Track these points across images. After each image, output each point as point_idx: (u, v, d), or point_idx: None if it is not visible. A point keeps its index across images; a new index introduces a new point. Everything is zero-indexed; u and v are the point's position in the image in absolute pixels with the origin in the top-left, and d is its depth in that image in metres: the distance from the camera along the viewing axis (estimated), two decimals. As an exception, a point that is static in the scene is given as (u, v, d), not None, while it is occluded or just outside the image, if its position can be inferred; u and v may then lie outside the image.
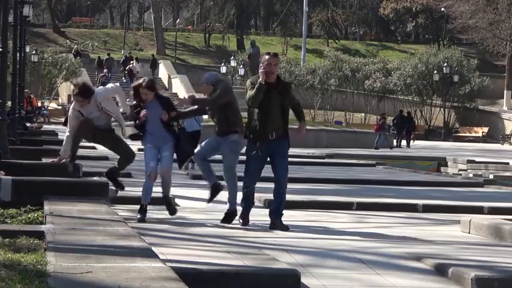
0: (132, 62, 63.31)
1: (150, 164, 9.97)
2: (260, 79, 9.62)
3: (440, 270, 7.16)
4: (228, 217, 9.96)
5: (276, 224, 9.61)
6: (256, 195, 12.58)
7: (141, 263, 4.73)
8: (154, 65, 64.19)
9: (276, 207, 9.76)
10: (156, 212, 11.15)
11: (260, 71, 9.70)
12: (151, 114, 9.90)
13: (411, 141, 43.92)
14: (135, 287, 4.12)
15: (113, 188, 9.96)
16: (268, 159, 9.78)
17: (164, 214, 10.97)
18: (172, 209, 10.25)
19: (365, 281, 6.83)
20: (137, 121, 10.03)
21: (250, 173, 9.80)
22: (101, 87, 11.70)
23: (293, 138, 9.82)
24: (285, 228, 9.54)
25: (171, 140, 10.01)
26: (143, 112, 9.92)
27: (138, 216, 9.82)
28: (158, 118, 9.87)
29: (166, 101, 10.19)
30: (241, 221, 9.82)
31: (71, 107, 10.92)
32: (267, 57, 9.80)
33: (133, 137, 10.28)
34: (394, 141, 42.52)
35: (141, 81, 10.19)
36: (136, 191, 12.96)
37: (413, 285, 6.81)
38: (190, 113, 11.06)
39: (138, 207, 11.28)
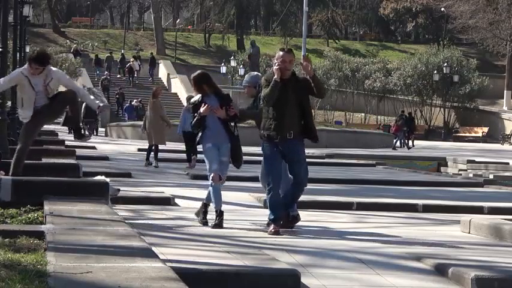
0: (131, 60, 63.77)
1: (213, 166, 9.57)
2: (275, 76, 9.17)
3: (440, 270, 7.16)
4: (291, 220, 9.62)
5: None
6: (255, 195, 12.65)
7: (141, 263, 4.72)
8: (153, 64, 64.22)
9: (287, 200, 9.34)
10: (156, 212, 11.16)
11: (275, 68, 9.25)
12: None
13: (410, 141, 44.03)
14: (135, 287, 4.12)
15: (114, 187, 9.80)
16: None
17: (164, 214, 10.98)
18: (219, 224, 9.52)
19: (365, 281, 6.83)
20: (197, 115, 9.66)
21: (274, 177, 9.19)
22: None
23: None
24: (289, 227, 9.37)
25: (228, 141, 9.65)
26: (204, 106, 9.58)
27: (216, 221, 9.50)
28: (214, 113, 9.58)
29: (225, 97, 9.81)
30: (273, 230, 9.12)
31: (20, 71, 10.42)
32: (281, 53, 9.35)
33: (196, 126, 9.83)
34: (398, 142, 42.61)
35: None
36: (136, 191, 13.00)
37: (413, 285, 6.81)
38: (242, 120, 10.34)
39: (138, 207, 11.31)
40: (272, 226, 9.14)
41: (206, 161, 9.72)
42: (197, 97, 9.87)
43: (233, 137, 9.67)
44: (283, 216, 9.35)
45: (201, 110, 9.60)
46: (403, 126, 41.01)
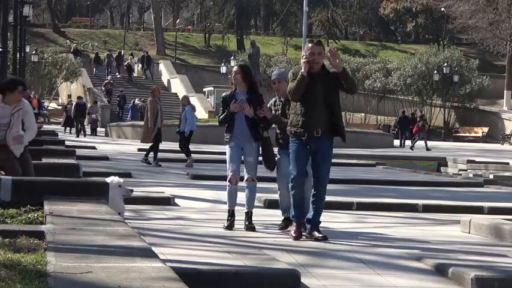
0: (130, 57, 64.17)
1: (232, 167, 9.40)
2: (302, 70, 8.63)
3: (440, 270, 7.16)
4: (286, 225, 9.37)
5: (313, 234, 8.73)
6: (256, 195, 12.59)
7: (141, 263, 4.72)
8: (148, 62, 64.16)
9: (314, 215, 8.81)
10: (156, 212, 11.16)
11: (302, 60, 8.72)
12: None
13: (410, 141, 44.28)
14: (135, 287, 4.11)
15: (127, 187, 9.59)
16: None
17: (164, 214, 10.98)
18: (250, 227, 9.35)
19: (365, 281, 6.83)
20: (226, 111, 9.43)
21: (298, 174, 8.73)
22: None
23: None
24: (324, 238, 8.68)
25: (254, 141, 9.42)
26: (237, 102, 9.32)
27: (226, 224, 9.39)
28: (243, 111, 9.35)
29: (257, 96, 9.49)
30: (294, 234, 8.72)
31: None
32: (309, 45, 8.77)
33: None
34: (397, 141, 42.80)
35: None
36: (136, 191, 12.99)
37: (413, 285, 6.81)
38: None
39: (138, 207, 11.31)
40: (293, 225, 8.76)
41: (227, 162, 9.56)
42: (228, 92, 9.71)
43: (260, 138, 9.44)
44: (316, 225, 8.80)
45: (231, 106, 9.41)
46: (424, 127, 41.33)
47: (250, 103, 9.38)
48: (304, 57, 8.74)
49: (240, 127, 9.42)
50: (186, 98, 22.69)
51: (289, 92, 8.78)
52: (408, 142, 44.10)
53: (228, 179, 9.47)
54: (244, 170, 9.51)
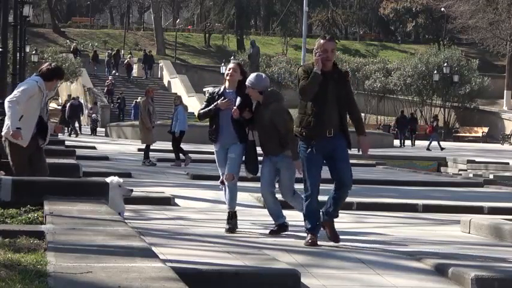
0: (129, 56, 64.33)
1: (221, 171, 9.34)
2: (315, 68, 8.16)
3: (440, 270, 7.16)
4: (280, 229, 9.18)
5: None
6: (255, 195, 12.65)
7: (141, 263, 4.72)
8: (149, 61, 64.07)
9: (333, 210, 8.57)
10: (156, 212, 11.16)
11: (315, 58, 8.23)
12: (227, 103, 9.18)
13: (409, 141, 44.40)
14: (135, 287, 4.12)
15: (127, 187, 9.53)
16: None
17: (164, 214, 10.98)
18: (231, 228, 9.16)
19: (365, 281, 6.83)
20: (213, 106, 9.23)
21: (311, 180, 8.35)
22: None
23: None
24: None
25: (239, 141, 9.20)
26: (225, 101, 9.16)
27: (228, 226, 9.19)
28: (230, 111, 9.13)
29: (246, 99, 9.22)
30: (310, 241, 8.31)
31: (36, 84, 9.60)
32: (322, 41, 8.27)
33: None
34: (397, 141, 42.83)
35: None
36: (136, 191, 12.99)
37: (413, 285, 6.81)
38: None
39: (138, 207, 11.31)
40: (309, 236, 8.34)
41: (216, 164, 9.50)
42: (217, 89, 9.50)
43: (245, 139, 9.26)
44: (329, 224, 8.55)
45: (220, 102, 9.18)
46: (438, 126, 41.44)
47: (238, 105, 9.18)
48: (316, 54, 8.28)
49: (226, 128, 9.24)
50: (178, 98, 22.66)
51: (301, 91, 8.25)
52: (408, 142, 44.18)
53: (220, 181, 9.46)
54: (226, 166, 9.26)
